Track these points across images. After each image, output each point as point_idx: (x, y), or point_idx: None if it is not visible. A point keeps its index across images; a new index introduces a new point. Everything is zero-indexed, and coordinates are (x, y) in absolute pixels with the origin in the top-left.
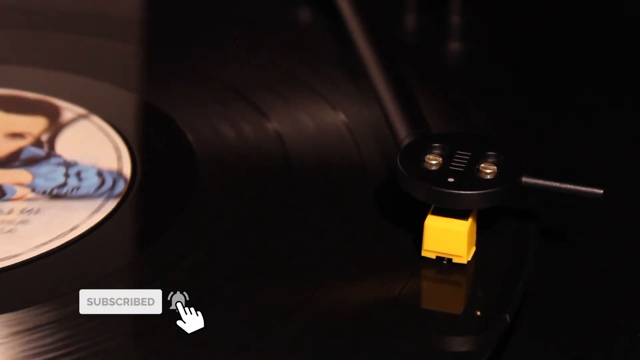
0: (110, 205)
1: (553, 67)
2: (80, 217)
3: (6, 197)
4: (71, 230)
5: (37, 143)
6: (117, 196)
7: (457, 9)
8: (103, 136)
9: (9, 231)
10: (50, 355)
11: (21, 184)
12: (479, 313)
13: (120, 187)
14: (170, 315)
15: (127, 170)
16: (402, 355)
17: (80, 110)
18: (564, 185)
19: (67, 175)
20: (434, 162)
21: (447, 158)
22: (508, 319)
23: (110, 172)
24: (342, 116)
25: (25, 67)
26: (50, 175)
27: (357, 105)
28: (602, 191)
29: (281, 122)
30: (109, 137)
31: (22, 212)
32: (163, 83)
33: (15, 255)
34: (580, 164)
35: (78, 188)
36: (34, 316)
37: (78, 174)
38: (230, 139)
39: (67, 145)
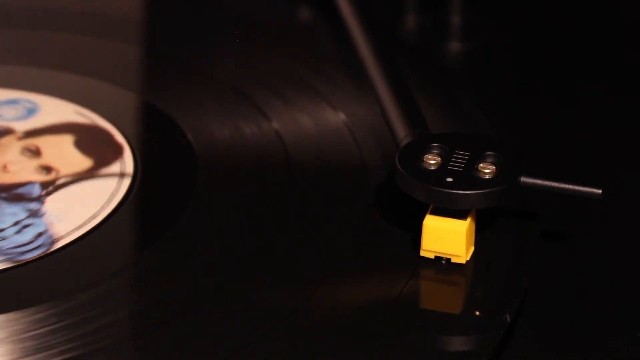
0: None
1: (553, 67)
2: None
3: None
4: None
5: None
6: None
7: (457, 9)
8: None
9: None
10: (49, 352)
11: None
12: (477, 313)
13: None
14: (169, 314)
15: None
16: (402, 355)
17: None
18: (563, 185)
19: (15, 223)
20: (432, 162)
21: (445, 158)
22: (508, 319)
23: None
24: (342, 116)
25: (25, 67)
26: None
27: (357, 105)
28: (600, 191)
29: (281, 122)
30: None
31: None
32: (163, 83)
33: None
34: (580, 164)
35: (3, 239)
36: (34, 316)
37: (22, 227)
38: (230, 139)
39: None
